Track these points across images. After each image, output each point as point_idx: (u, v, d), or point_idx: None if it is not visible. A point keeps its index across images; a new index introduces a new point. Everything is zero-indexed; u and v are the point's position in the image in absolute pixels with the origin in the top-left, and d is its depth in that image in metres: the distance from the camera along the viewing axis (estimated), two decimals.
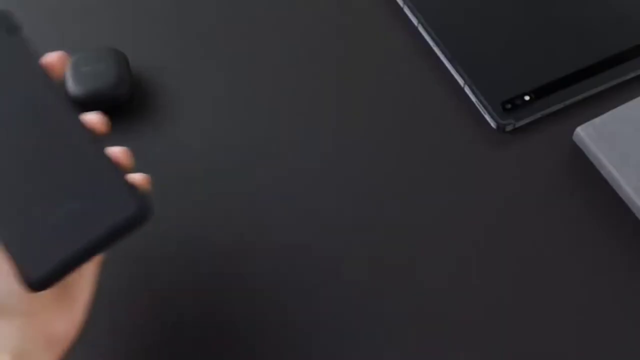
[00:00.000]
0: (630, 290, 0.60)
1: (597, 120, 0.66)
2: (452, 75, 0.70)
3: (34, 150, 0.49)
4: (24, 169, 0.49)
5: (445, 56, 0.70)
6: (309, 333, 0.58)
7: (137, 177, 0.52)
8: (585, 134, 0.65)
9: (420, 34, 0.72)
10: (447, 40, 0.70)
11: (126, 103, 0.66)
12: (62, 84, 0.51)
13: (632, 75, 0.69)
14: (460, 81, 0.69)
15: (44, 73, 0.51)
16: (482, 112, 0.68)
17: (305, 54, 0.71)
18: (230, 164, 0.65)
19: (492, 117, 0.67)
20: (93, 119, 0.51)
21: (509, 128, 0.67)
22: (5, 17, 0.52)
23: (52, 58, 0.51)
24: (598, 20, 0.72)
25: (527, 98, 0.67)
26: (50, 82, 0.51)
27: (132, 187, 0.48)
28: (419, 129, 0.67)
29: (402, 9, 0.73)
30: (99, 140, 0.49)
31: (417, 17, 0.72)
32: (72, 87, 0.65)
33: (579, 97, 0.68)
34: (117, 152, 0.51)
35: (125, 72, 0.66)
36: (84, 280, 0.51)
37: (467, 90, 0.68)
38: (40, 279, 0.47)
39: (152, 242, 0.61)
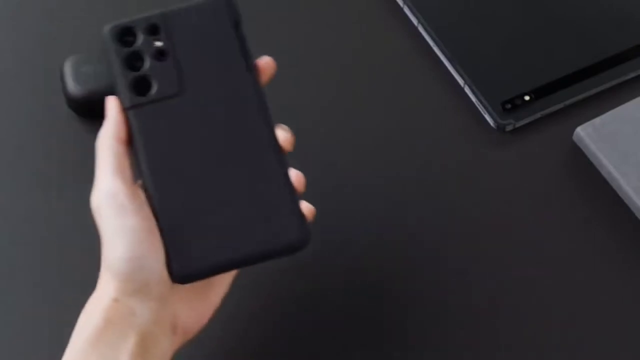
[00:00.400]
0: (630, 290, 0.60)
1: (597, 120, 0.66)
2: (452, 75, 0.70)
3: (223, 148, 0.48)
4: (207, 165, 0.48)
5: (445, 56, 0.70)
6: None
7: (305, 206, 0.51)
8: (585, 134, 0.65)
9: (420, 34, 0.72)
10: (447, 40, 0.70)
11: None
12: (263, 89, 0.51)
13: (632, 75, 0.69)
14: (460, 81, 0.69)
15: (255, 75, 0.50)
16: (482, 112, 0.67)
17: (305, 54, 0.71)
18: None
19: (492, 117, 0.67)
20: (284, 136, 0.50)
21: (509, 128, 0.67)
22: (235, 11, 0.51)
23: (265, 62, 0.51)
24: (598, 20, 0.72)
25: (527, 98, 0.67)
26: (258, 85, 0.50)
27: (302, 215, 0.47)
28: (419, 129, 0.67)
29: (402, 9, 0.73)
30: (284, 159, 0.48)
31: (417, 17, 0.72)
32: (72, 87, 0.65)
33: (579, 97, 0.68)
34: (294, 175, 0.50)
35: None
36: (223, 282, 0.51)
37: (467, 90, 0.68)
38: (184, 274, 0.46)
39: None
